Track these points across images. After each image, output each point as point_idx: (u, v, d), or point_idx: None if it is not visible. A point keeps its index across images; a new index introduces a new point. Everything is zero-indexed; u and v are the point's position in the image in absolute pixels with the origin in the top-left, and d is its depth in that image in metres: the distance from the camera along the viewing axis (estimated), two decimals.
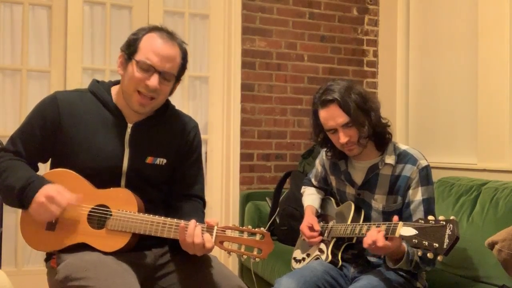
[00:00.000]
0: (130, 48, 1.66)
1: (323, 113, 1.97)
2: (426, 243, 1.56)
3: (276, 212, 3.04)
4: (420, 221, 1.62)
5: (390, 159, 1.97)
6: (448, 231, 1.53)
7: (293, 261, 2.25)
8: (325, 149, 2.16)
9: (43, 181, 1.59)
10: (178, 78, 1.73)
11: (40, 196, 1.54)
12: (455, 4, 3.13)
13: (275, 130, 3.55)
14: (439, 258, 1.55)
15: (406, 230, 1.63)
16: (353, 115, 1.91)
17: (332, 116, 1.94)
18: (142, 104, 1.66)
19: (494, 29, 2.73)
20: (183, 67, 1.73)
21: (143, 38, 1.66)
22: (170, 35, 1.68)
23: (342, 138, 1.94)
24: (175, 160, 1.79)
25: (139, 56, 1.64)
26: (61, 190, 1.57)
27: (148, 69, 1.63)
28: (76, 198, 1.58)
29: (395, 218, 1.74)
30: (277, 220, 3.01)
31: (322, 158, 2.26)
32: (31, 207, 1.56)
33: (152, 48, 1.63)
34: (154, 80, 1.62)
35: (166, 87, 1.68)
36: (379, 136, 1.99)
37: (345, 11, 3.73)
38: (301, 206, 2.38)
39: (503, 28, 2.67)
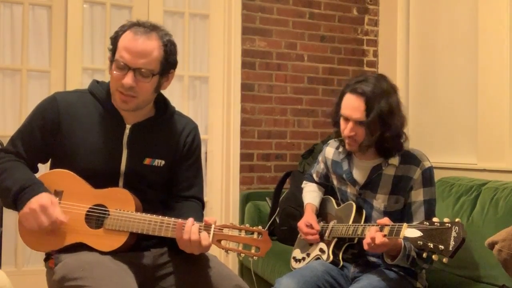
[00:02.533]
0: (112, 48, 1.66)
1: (347, 99, 1.94)
2: (432, 245, 1.55)
3: (276, 212, 3.03)
4: (425, 223, 1.61)
5: (393, 160, 1.96)
6: (453, 233, 1.53)
7: (292, 260, 2.25)
8: (335, 129, 2.11)
9: (40, 188, 1.59)
10: (162, 72, 1.67)
11: (34, 203, 1.54)
12: (455, 4, 3.12)
13: (275, 130, 3.55)
14: (444, 260, 1.54)
15: (410, 232, 1.62)
16: (371, 119, 1.87)
17: (352, 106, 1.91)
18: (124, 100, 1.64)
19: (494, 29, 2.72)
20: (166, 60, 1.67)
21: (121, 37, 1.64)
22: (147, 29, 1.63)
23: (348, 131, 1.93)
24: (173, 161, 1.78)
25: (116, 55, 1.63)
26: (55, 203, 1.57)
27: (123, 67, 1.61)
28: (65, 218, 1.57)
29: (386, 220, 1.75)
30: (277, 220, 3.01)
31: (324, 155, 2.25)
32: (23, 211, 1.55)
33: (125, 46, 1.61)
34: (127, 79, 1.60)
35: (144, 84, 1.63)
36: (384, 148, 1.96)
37: (345, 11, 3.73)
38: (301, 206, 2.37)
39: (503, 28, 2.66)
